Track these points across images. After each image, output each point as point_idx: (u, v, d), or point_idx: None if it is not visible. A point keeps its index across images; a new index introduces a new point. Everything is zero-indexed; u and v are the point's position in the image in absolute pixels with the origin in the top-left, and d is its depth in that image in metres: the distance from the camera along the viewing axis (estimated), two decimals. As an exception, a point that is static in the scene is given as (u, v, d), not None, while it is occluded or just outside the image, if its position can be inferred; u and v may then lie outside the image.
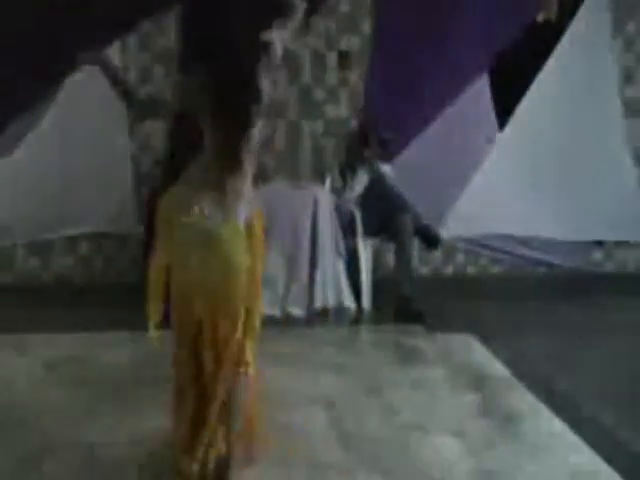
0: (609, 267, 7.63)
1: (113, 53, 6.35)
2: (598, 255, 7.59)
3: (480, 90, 6.82)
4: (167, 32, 6.51)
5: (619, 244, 7.50)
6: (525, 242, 7.24)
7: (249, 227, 3.42)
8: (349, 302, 6.32)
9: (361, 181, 6.60)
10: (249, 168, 3.36)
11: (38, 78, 5.26)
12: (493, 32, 6.54)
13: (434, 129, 6.78)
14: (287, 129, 7.04)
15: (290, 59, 6.90)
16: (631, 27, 7.27)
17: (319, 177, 6.92)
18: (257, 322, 3.55)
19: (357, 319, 6.28)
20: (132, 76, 6.64)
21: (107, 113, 6.10)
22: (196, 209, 3.28)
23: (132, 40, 6.66)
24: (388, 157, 6.70)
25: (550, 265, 7.35)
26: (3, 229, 6.45)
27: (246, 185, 3.38)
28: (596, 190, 6.96)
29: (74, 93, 6.13)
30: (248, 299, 3.48)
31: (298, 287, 6.27)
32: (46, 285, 6.92)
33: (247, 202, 3.39)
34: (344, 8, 7.08)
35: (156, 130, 6.29)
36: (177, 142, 5.30)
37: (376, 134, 6.58)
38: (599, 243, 7.47)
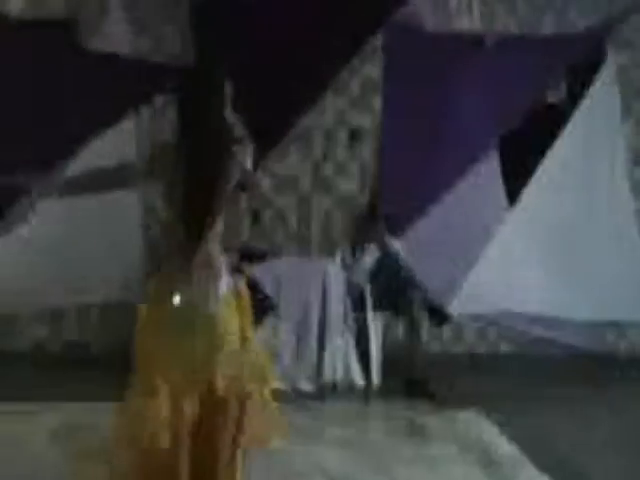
0: (622, 348, 7.54)
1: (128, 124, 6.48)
2: (612, 335, 7.50)
3: (489, 166, 6.86)
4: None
5: (633, 325, 7.40)
6: (536, 320, 7.16)
7: (236, 294, 3.45)
8: (358, 377, 6.27)
9: (370, 255, 6.60)
10: (218, 241, 3.41)
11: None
12: (502, 110, 6.61)
13: (443, 205, 6.80)
14: (298, 203, 7.06)
15: (302, 135, 6.97)
16: (640, 108, 7.34)
17: (329, 251, 6.93)
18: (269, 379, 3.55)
19: (366, 394, 6.22)
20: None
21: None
22: (182, 296, 3.31)
23: (146, 113, 6.74)
24: (397, 232, 6.71)
25: (562, 344, 7.26)
26: (12, 297, 6.43)
27: (221, 255, 3.43)
28: (609, 270, 6.90)
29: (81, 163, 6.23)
30: (248, 359, 3.48)
31: (307, 361, 6.24)
32: (54, 353, 6.89)
33: (226, 270, 3.43)
34: (354, 85, 7.16)
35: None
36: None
37: (383, 209, 6.61)
38: (613, 323, 7.38)
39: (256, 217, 6.88)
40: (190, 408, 3.29)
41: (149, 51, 6.67)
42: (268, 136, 6.49)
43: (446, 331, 7.20)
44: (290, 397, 5.85)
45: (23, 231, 6.33)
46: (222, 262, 3.43)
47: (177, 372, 3.30)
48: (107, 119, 6.31)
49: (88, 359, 6.79)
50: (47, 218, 6.27)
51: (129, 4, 6.56)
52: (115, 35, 6.42)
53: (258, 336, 5.79)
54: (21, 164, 5.55)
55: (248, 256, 6.51)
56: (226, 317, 3.37)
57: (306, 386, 6.18)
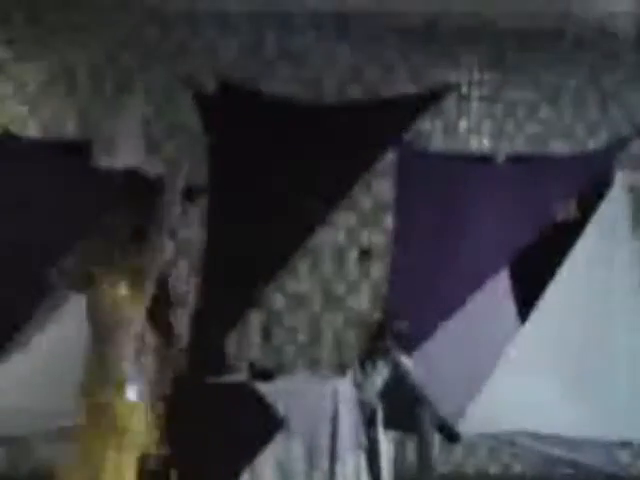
0: (636, 469, 7.39)
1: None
2: (625, 456, 7.37)
3: (500, 284, 6.88)
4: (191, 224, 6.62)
5: (647, 444, 7.29)
6: (549, 440, 7.07)
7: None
8: (369, 496, 6.17)
9: (381, 373, 6.56)
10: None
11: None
12: (512, 232, 6.66)
13: (454, 322, 6.79)
14: (308, 321, 7.07)
15: (311, 252, 7.03)
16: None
17: (340, 369, 6.89)
18: None
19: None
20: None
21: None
22: None
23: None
24: (408, 350, 6.68)
25: (575, 465, 7.14)
26: (22, 418, 6.35)
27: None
28: (621, 389, 6.84)
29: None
30: None
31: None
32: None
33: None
34: (365, 204, 7.24)
35: (181, 317, 6.34)
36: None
37: (394, 327, 6.60)
38: (627, 443, 7.26)
39: (267, 335, 6.87)
40: None
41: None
42: (278, 255, 6.56)
43: (457, 450, 7.08)
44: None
45: (33, 349, 6.36)
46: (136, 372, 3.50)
47: None
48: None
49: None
50: (57, 335, 6.29)
51: (143, 129, 6.70)
52: (128, 157, 6.55)
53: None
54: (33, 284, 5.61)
55: (258, 374, 6.48)
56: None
57: (317, 506, 6.08)
